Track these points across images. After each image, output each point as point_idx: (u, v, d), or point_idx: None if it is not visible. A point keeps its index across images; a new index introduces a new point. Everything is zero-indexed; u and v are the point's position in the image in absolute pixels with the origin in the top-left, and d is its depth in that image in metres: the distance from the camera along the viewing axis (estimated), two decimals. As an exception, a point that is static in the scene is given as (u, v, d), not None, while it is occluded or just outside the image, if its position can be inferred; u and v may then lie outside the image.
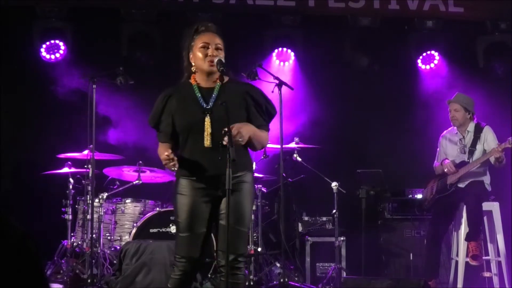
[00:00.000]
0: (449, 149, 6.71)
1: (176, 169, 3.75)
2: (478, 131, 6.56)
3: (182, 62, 4.03)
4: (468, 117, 6.60)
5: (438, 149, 6.86)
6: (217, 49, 3.85)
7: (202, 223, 3.82)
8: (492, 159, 6.33)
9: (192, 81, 3.92)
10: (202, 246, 3.83)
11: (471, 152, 6.53)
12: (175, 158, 3.69)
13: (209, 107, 3.81)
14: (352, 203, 7.11)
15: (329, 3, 8.07)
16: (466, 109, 6.57)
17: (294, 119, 7.85)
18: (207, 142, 3.75)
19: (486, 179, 6.52)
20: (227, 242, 3.63)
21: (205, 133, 3.76)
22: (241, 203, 3.81)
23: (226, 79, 3.93)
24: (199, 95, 3.85)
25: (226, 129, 3.60)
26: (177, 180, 3.91)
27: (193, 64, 3.90)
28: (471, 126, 6.60)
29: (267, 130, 4.00)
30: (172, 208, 6.64)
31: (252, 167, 4.01)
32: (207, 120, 3.77)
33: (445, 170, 6.57)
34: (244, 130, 3.72)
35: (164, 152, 3.75)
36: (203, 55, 3.84)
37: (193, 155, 3.81)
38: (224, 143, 3.58)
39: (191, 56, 3.91)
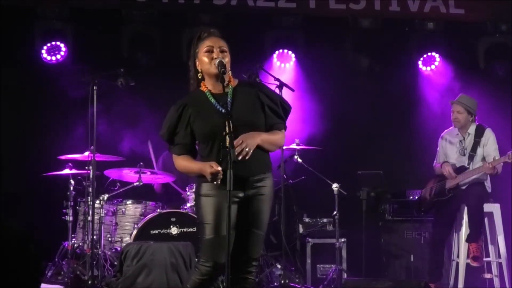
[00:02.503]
0: (448, 150, 6.70)
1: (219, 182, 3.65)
2: (479, 134, 6.53)
3: (184, 65, 4.01)
4: (470, 119, 6.58)
5: (438, 149, 6.85)
6: (222, 51, 3.82)
7: (227, 225, 3.71)
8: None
9: (203, 88, 3.85)
10: (228, 250, 3.70)
11: (471, 157, 6.51)
12: (221, 171, 3.62)
13: (227, 111, 3.71)
14: (352, 204, 7.10)
15: (330, 4, 8.08)
16: (469, 111, 6.56)
17: (295, 121, 7.85)
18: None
19: (487, 181, 6.52)
20: (230, 246, 3.58)
21: (228, 139, 3.61)
22: (262, 209, 3.80)
23: (235, 82, 3.89)
24: (213, 101, 3.79)
25: (226, 132, 3.58)
26: (199, 184, 3.81)
27: (200, 70, 3.86)
28: (472, 128, 6.58)
29: (283, 128, 3.94)
30: (172, 210, 6.71)
31: (271, 168, 3.95)
32: (228, 125, 3.65)
33: (445, 174, 6.56)
34: (249, 142, 3.65)
35: (199, 166, 3.71)
36: (209, 59, 3.79)
37: (221, 161, 3.68)
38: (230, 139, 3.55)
39: (197, 63, 3.86)
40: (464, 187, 6.50)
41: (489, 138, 6.50)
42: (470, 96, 6.74)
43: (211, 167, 3.63)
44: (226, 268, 3.59)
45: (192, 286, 3.79)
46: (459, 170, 6.52)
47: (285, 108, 3.95)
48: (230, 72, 3.86)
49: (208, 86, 3.85)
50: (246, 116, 3.68)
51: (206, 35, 3.88)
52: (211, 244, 3.71)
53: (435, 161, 6.86)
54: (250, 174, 3.67)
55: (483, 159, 6.47)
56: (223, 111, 3.72)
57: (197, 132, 3.80)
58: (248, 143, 3.64)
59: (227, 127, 3.63)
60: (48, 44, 7.84)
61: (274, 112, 3.86)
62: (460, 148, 6.60)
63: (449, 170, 6.52)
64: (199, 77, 3.87)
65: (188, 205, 6.72)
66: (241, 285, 3.73)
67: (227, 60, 3.81)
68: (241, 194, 3.75)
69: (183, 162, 3.86)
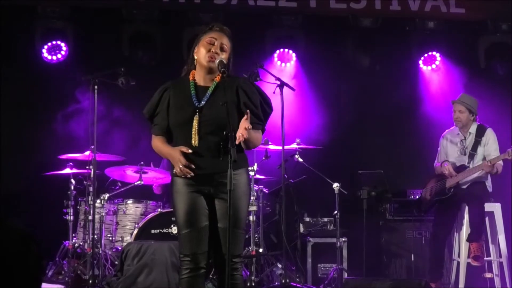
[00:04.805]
0: (449, 149, 6.70)
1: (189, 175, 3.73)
2: (480, 133, 6.53)
3: (185, 60, 4.02)
4: (471, 118, 6.59)
5: (438, 149, 6.85)
6: (221, 48, 3.82)
7: (202, 217, 3.75)
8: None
9: (190, 77, 3.89)
10: (206, 241, 3.75)
11: (472, 156, 6.52)
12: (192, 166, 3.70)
13: (200, 105, 3.76)
14: (353, 204, 7.10)
15: (331, 3, 8.08)
16: (470, 110, 6.56)
17: (296, 120, 7.85)
18: (194, 141, 3.72)
19: (488, 181, 6.52)
20: (227, 243, 3.58)
21: (193, 132, 3.73)
22: (235, 205, 3.70)
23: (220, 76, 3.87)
24: (193, 92, 3.82)
25: (227, 131, 3.59)
26: (172, 178, 3.86)
27: (195, 58, 3.88)
28: (473, 128, 6.59)
29: (261, 130, 3.89)
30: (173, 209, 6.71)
31: (247, 165, 3.93)
32: (196, 119, 3.73)
33: (445, 173, 6.56)
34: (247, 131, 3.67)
35: (168, 150, 3.79)
36: (206, 49, 3.81)
37: (184, 153, 3.75)
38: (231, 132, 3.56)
39: (196, 50, 3.89)
40: (464, 186, 6.50)
41: (490, 138, 6.51)
42: (470, 96, 6.74)
43: (181, 153, 3.69)
44: (227, 267, 3.60)
45: (182, 286, 3.77)
46: (459, 169, 6.53)
47: (265, 110, 3.90)
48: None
49: (196, 76, 3.88)
50: (216, 114, 3.67)
51: (217, 30, 3.89)
52: (185, 238, 3.75)
53: (435, 161, 6.86)
54: (220, 170, 3.66)
55: (484, 158, 6.47)
56: (196, 104, 3.77)
57: (170, 118, 3.86)
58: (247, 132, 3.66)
59: (194, 120, 3.72)
60: (49, 44, 7.84)
61: (252, 112, 3.79)
62: (461, 147, 6.61)
63: (449, 169, 6.52)
64: (195, 63, 3.89)
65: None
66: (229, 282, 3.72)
67: (223, 57, 3.80)
68: (205, 190, 3.77)
69: (157, 143, 3.91)
